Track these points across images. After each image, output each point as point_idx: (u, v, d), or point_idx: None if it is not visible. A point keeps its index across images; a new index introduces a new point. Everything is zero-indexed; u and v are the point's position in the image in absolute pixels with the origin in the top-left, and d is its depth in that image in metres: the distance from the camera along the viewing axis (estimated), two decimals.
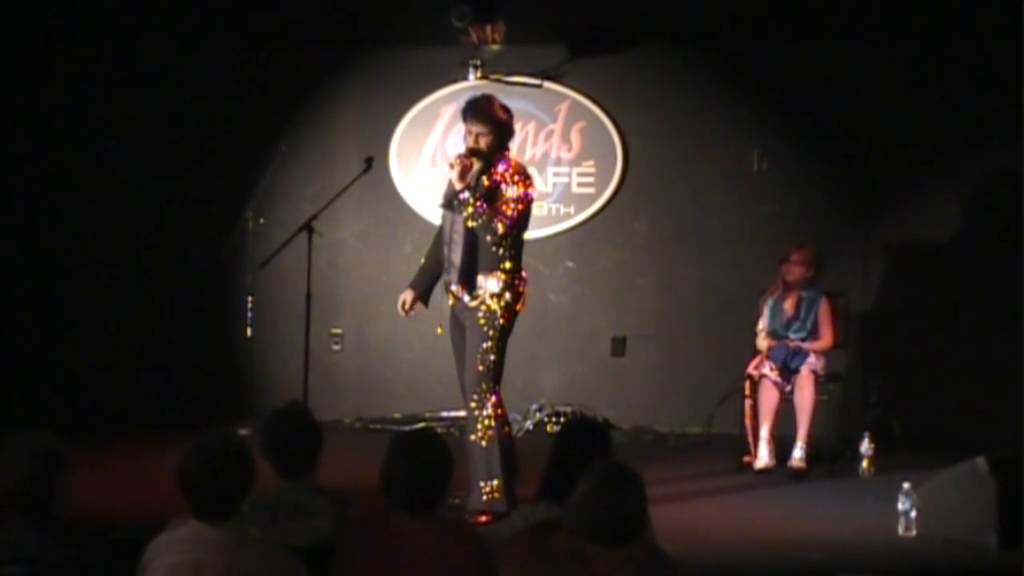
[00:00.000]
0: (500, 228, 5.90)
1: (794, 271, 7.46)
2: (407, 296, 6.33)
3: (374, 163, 7.48)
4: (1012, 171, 8.36)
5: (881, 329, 8.50)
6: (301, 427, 4.31)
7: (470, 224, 5.91)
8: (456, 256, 6.03)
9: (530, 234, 6.56)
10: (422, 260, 6.46)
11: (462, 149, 6.19)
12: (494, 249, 5.97)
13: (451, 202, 5.98)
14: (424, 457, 3.80)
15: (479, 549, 3.77)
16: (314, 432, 4.31)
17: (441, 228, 6.25)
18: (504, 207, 5.92)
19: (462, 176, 5.94)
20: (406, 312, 6.33)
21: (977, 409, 8.07)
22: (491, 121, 6.04)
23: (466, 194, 5.89)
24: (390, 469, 3.79)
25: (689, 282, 8.78)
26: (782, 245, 7.69)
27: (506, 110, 6.14)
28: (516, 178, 6.00)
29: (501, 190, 5.97)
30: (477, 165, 6.00)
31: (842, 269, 8.14)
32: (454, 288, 6.07)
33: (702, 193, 8.79)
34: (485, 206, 5.89)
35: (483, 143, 6.03)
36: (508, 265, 6.01)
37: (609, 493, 3.46)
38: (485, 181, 5.99)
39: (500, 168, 6.02)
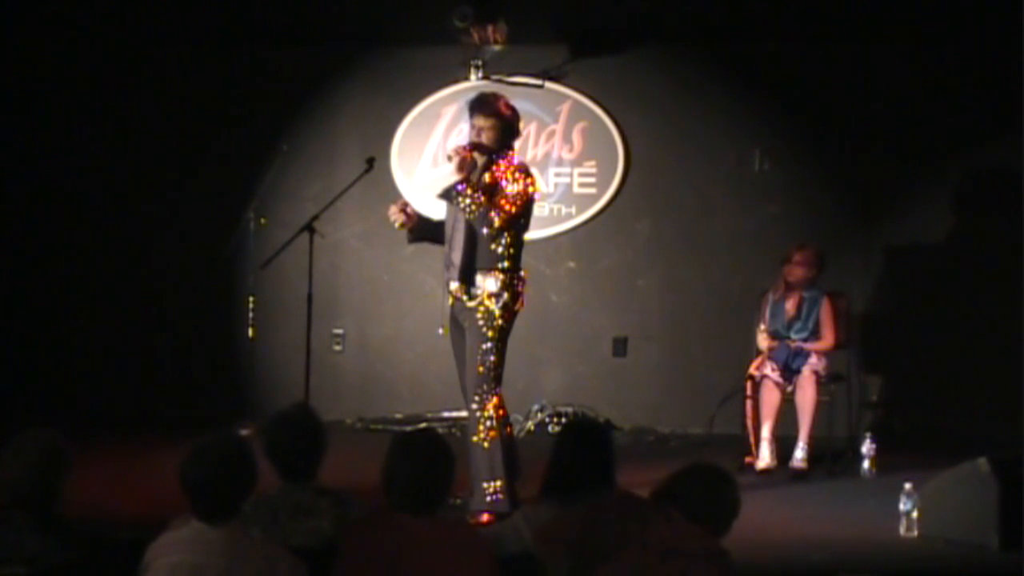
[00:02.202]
0: (496, 221, 5.89)
1: (796, 271, 7.46)
2: (411, 208, 6.24)
3: (376, 163, 7.49)
4: (1012, 171, 8.36)
5: (883, 329, 8.50)
6: (306, 430, 4.29)
7: (466, 213, 5.89)
8: (456, 255, 6.03)
9: (532, 234, 6.56)
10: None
11: (464, 142, 6.20)
12: (492, 247, 5.97)
13: (449, 193, 5.97)
14: (425, 457, 3.80)
15: (480, 550, 3.77)
16: (319, 436, 4.30)
17: (445, 224, 6.24)
18: (503, 202, 5.92)
19: (460, 167, 5.93)
20: (398, 212, 6.17)
21: (978, 409, 8.08)
22: (495, 115, 6.04)
23: (462, 185, 5.89)
24: (391, 469, 3.79)
25: (691, 282, 8.78)
26: (784, 245, 7.68)
27: (511, 108, 6.14)
28: (517, 175, 6.00)
29: (501, 186, 5.96)
30: (479, 160, 6.01)
31: (843, 269, 8.14)
32: (453, 288, 6.07)
33: (704, 193, 8.80)
34: (483, 198, 5.88)
35: (486, 138, 6.04)
36: (506, 265, 6.00)
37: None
38: (487, 177, 5.99)
39: (502, 165, 6.03)
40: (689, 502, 3.74)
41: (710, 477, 3.88)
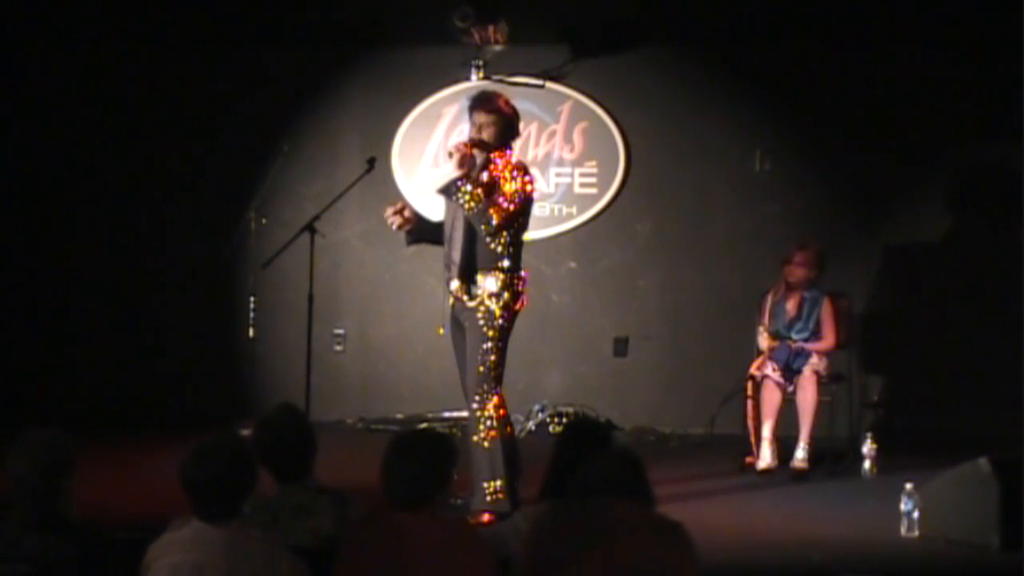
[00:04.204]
0: (495, 219, 5.89)
1: (796, 272, 7.46)
2: (409, 211, 6.26)
3: (376, 163, 7.50)
4: (1012, 171, 8.37)
5: (883, 330, 8.50)
6: (293, 431, 4.29)
7: (466, 208, 5.90)
8: (456, 254, 6.04)
9: (532, 234, 6.56)
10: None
11: (464, 139, 6.21)
12: (492, 246, 5.98)
13: (448, 189, 5.98)
14: (416, 453, 3.80)
15: (481, 549, 3.77)
16: (306, 434, 4.30)
17: (443, 224, 6.25)
18: (501, 200, 5.93)
19: (460, 164, 5.95)
20: (395, 214, 6.19)
21: (979, 410, 8.08)
22: (495, 112, 6.06)
23: (462, 181, 5.90)
24: (385, 467, 3.80)
25: (691, 283, 8.78)
26: (784, 246, 7.69)
27: (511, 106, 6.16)
28: (515, 174, 6.01)
29: (499, 185, 5.97)
30: (479, 157, 6.02)
31: (844, 270, 8.13)
32: (453, 288, 6.07)
33: (704, 193, 8.80)
34: (482, 195, 5.89)
35: (486, 134, 6.05)
36: (506, 264, 6.01)
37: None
38: (484, 176, 5.99)
39: (500, 164, 6.03)
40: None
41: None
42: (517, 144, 6.29)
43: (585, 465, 3.67)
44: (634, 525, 3.41)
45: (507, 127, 6.10)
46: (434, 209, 6.51)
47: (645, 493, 3.65)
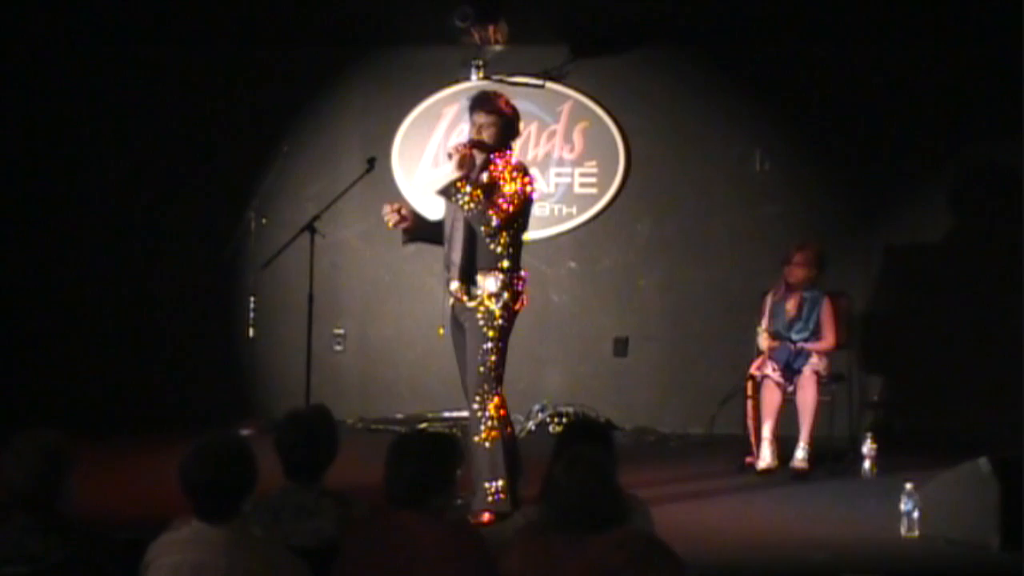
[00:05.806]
0: (495, 220, 5.89)
1: (796, 272, 7.46)
2: (406, 209, 6.26)
3: (376, 163, 7.50)
4: (1012, 171, 8.37)
5: (883, 330, 8.51)
6: (320, 433, 4.29)
7: (465, 209, 5.90)
8: (456, 255, 6.04)
9: (532, 234, 6.55)
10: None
11: (464, 139, 6.21)
12: (491, 247, 5.97)
13: (448, 190, 5.98)
14: (417, 452, 3.81)
15: (481, 549, 3.77)
16: (332, 442, 4.31)
17: (443, 224, 6.24)
18: (500, 201, 5.93)
19: (460, 165, 5.95)
20: (392, 212, 6.20)
21: (979, 410, 8.08)
22: (495, 112, 6.06)
23: (462, 182, 5.90)
24: (386, 466, 3.81)
25: (691, 283, 8.78)
26: (784, 246, 7.69)
27: (511, 106, 6.15)
28: (515, 175, 6.01)
29: (499, 185, 5.97)
30: (479, 157, 6.02)
31: (844, 270, 8.14)
32: (453, 288, 6.07)
33: (704, 193, 8.80)
34: (481, 196, 5.89)
35: (486, 135, 6.05)
36: (506, 264, 6.00)
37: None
38: (484, 177, 6.00)
39: (500, 164, 6.03)
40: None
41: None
42: (517, 144, 6.28)
43: (556, 481, 3.66)
44: (622, 561, 3.44)
45: (507, 127, 6.10)
46: (434, 209, 6.51)
47: (618, 502, 3.66)
